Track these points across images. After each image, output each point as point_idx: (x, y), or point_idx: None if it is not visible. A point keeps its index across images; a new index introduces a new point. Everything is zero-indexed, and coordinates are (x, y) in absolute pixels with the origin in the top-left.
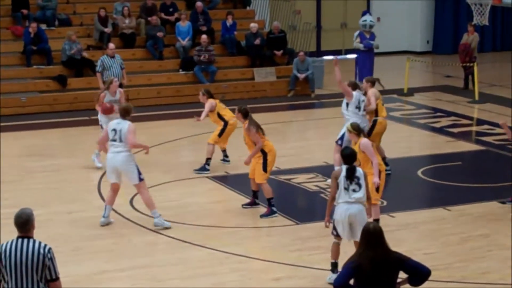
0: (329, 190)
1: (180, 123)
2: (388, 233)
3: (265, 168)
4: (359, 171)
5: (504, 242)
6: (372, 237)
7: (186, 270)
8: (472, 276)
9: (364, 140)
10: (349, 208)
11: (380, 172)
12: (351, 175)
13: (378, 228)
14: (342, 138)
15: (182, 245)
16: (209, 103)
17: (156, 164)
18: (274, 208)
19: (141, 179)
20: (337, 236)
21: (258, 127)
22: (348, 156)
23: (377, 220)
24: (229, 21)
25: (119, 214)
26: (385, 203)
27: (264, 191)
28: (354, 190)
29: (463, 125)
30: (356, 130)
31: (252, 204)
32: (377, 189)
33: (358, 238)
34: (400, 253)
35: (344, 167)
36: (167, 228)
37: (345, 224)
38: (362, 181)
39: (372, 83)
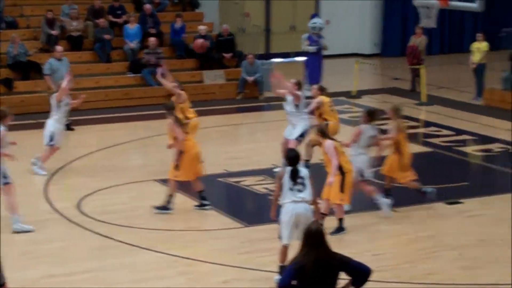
0: None
1: (128, 126)
2: (338, 235)
3: (176, 166)
4: (304, 171)
5: (450, 243)
6: (313, 238)
7: (134, 274)
8: (419, 276)
9: (326, 142)
10: (295, 207)
11: (344, 173)
12: (294, 176)
13: (319, 229)
14: (302, 135)
15: (130, 248)
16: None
17: (105, 167)
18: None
19: (5, 183)
20: (282, 240)
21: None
22: (292, 158)
23: (340, 220)
24: (178, 24)
25: (66, 218)
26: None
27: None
28: (299, 190)
29: (411, 127)
30: (321, 132)
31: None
32: (342, 189)
33: None
34: (341, 254)
35: (288, 168)
36: (28, 231)
37: (290, 224)
38: (306, 182)
39: (321, 90)
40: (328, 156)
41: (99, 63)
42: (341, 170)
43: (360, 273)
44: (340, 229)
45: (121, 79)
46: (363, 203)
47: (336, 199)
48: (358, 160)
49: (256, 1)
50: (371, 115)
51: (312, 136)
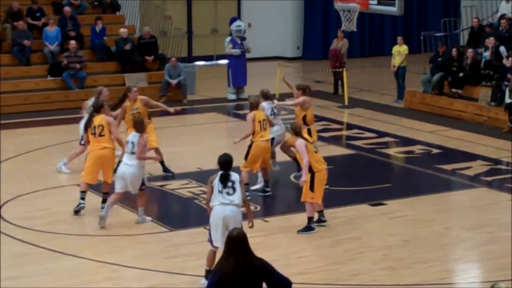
0: (202, 196)
1: (49, 130)
2: (263, 238)
3: None
4: (235, 176)
5: (375, 244)
6: (235, 244)
7: (58, 280)
8: (345, 278)
9: (298, 141)
10: (224, 210)
11: (314, 172)
12: (224, 180)
13: (241, 235)
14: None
15: (54, 255)
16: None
17: (25, 172)
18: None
19: None
20: (212, 243)
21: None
22: (223, 163)
23: (310, 218)
24: (99, 26)
25: None
26: (258, 207)
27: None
28: (228, 193)
29: (334, 130)
30: (293, 130)
31: None
32: (311, 188)
33: None
34: (264, 260)
35: (219, 172)
36: None
37: (219, 227)
38: (237, 186)
39: (303, 90)
40: (299, 155)
41: (18, 66)
42: (311, 169)
43: (280, 284)
44: (308, 228)
45: (41, 83)
46: (289, 205)
47: (306, 197)
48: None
49: (177, 4)
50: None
51: (288, 137)
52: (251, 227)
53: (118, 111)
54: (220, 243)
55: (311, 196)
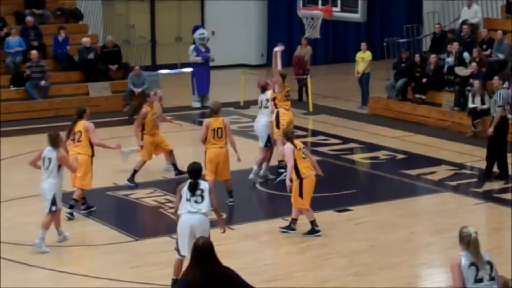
0: (168, 204)
1: (12, 141)
2: (229, 246)
3: None
4: (204, 184)
5: (341, 250)
6: (201, 253)
7: None
8: (312, 284)
9: (285, 145)
10: (191, 218)
11: (302, 178)
12: (193, 188)
13: (207, 244)
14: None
15: (18, 266)
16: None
17: None
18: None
19: None
20: (179, 252)
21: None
22: (192, 171)
23: (311, 222)
24: (62, 36)
25: None
26: (225, 215)
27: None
28: (196, 201)
29: (299, 136)
30: (284, 135)
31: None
32: (300, 195)
33: None
34: (230, 269)
35: (188, 181)
36: None
37: (186, 235)
38: (205, 194)
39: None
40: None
41: None
42: (298, 175)
43: None
44: (313, 231)
45: (4, 93)
46: (255, 212)
47: (297, 204)
48: None
49: (141, 12)
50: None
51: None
52: (223, 232)
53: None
54: (187, 251)
55: (300, 203)
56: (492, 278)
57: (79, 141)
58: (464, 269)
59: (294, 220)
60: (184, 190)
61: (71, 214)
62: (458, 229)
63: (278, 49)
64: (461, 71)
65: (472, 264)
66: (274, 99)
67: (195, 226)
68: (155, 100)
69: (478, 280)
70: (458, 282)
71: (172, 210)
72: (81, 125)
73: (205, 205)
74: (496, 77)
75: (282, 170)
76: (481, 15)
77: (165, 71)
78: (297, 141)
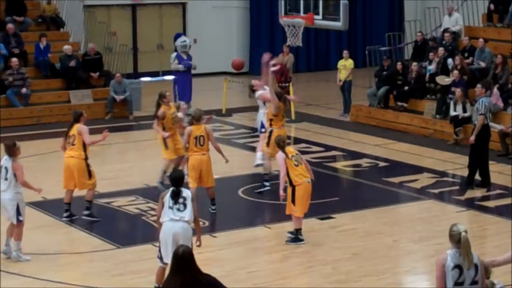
0: (150, 212)
1: None
2: (211, 254)
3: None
4: (186, 192)
5: (324, 258)
6: (181, 262)
7: None
8: None
9: (278, 154)
10: (173, 226)
11: (295, 186)
12: (175, 196)
13: (187, 252)
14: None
15: None
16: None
17: None
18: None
19: None
20: (162, 260)
21: None
22: (174, 179)
23: (297, 230)
24: (43, 43)
25: None
26: (207, 223)
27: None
28: (178, 209)
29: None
30: (276, 143)
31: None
32: (293, 201)
33: None
34: (211, 277)
35: (171, 188)
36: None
37: (169, 243)
38: (188, 202)
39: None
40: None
41: None
42: (291, 182)
43: None
44: (296, 239)
45: None
46: (237, 220)
47: (290, 211)
48: None
49: (122, 20)
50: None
51: (266, 149)
52: (199, 246)
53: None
54: (169, 259)
55: (293, 210)
56: (474, 282)
57: (73, 144)
58: (448, 270)
59: (299, 230)
60: (167, 198)
61: (89, 215)
62: (441, 237)
63: (274, 68)
64: (442, 80)
65: (456, 266)
66: (271, 120)
67: (178, 234)
68: (169, 99)
69: (459, 283)
70: (440, 282)
71: (155, 218)
72: (75, 128)
73: (187, 213)
74: (478, 85)
75: (266, 183)
76: (462, 23)
77: (147, 79)
78: (289, 148)
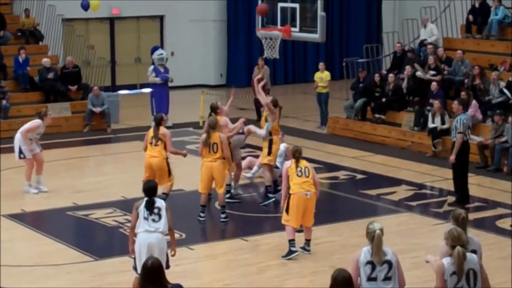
0: (127, 224)
1: None
2: (187, 266)
3: None
4: (160, 202)
5: (301, 270)
6: (149, 273)
7: None
8: None
9: (284, 164)
10: (148, 237)
11: (290, 195)
12: (150, 207)
13: (155, 264)
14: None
15: None
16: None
17: None
18: None
19: None
20: (137, 270)
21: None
22: (148, 189)
23: (289, 241)
24: (22, 57)
25: None
26: (184, 235)
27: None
28: (154, 220)
29: (258, 157)
30: (292, 153)
31: None
32: (287, 210)
33: None
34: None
35: (144, 199)
36: None
37: (143, 254)
38: (162, 212)
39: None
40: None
41: None
42: (288, 191)
43: None
44: (289, 252)
45: None
46: (214, 233)
47: (282, 219)
48: None
49: (100, 33)
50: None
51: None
52: (173, 255)
53: None
54: None
55: (285, 219)
56: (387, 278)
57: (156, 145)
58: (361, 266)
59: (291, 241)
60: (141, 209)
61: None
62: (418, 250)
63: (261, 84)
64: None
65: (368, 262)
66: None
67: (153, 244)
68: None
69: (372, 279)
70: (354, 277)
71: None
72: (159, 131)
73: (162, 224)
74: (455, 102)
75: (270, 195)
76: (439, 34)
77: (124, 92)
78: (302, 161)
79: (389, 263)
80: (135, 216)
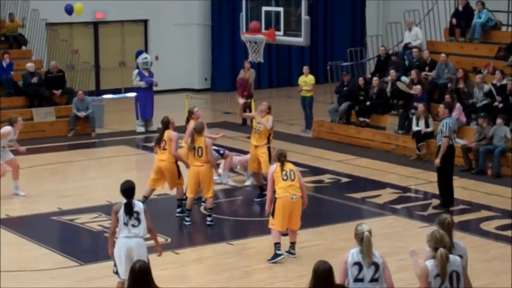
0: None
1: None
2: (173, 270)
3: None
4: (139, 206)
5: (286, 274)
6: (137, 277)
7: None
8: None
9: (270, 167)
10: (128, 242)
11: (276, 198)
12: (129, 210)
13: (144, 268)
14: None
15: None
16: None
17: None
18: None
19: None
20: (119, 275)
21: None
22: (125, 190)
23: (275, 244)
24: (6, 61)
25: None
26: (169, 240)
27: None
28: (133, 225)
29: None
30: (277, 157)
31: None
32: (272, 214)
33: None
34: None
35: (123, 202)
36: None
37: (122, 259)
38: (141, 216)
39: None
40: None
41: None
42: (274, 195)
43: None
44: (274, 256)
45: None
46: (200, 237)
47: (269, 223)
48: None
49: (84, 37)
50: None
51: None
52: (159, 255)
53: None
54: (125, 274)
55: (271, 223)
56: (374, 280)
57: (164, 149)
58: (349, 267)
59: (276, 245)
60: (121, 214)
61: (180, 212)
62: (403, 252)
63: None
64: (402, 85)
65: (356, 263)
66: (268, 136)
67: (132, 248)
68: (199, 115)
69: (359, 280)
70: (341, 278)
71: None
72: (166, 134)
73: (142, 228)
74: (441, 106)
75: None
76: (423, 37)
77: (109, 96)
78: (288, 164)
79: (376, 265)
80: (114, 221)
